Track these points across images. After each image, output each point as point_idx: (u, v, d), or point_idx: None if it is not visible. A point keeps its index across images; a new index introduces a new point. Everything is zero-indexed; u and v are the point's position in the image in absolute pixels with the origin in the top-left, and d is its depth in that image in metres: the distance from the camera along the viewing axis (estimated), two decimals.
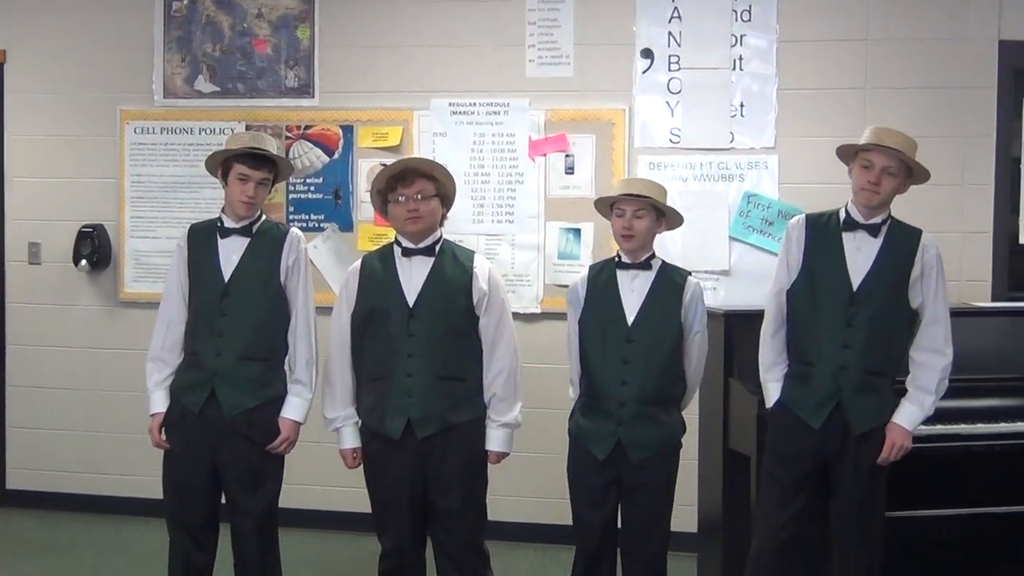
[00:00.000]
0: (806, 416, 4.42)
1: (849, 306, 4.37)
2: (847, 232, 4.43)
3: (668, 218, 4.57)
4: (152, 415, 4.63)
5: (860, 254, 4.40)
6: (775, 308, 4.57)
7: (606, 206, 4.58)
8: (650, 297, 4.50)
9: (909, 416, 4.38)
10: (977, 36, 6.00)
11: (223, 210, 4.64)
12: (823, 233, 4.48)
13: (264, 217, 4.68)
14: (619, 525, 4.60)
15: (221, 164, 4.58)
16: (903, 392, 4.44)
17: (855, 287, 4.38)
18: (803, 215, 4.61)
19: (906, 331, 4.42)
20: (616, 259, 4.59)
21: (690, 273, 4.62)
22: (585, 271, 4.70)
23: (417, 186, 4.44)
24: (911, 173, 4.39)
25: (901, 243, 4.39)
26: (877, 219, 4.40)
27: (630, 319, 4.48)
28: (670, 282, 4.52)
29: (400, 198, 4.43)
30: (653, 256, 4.56)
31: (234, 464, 4.55)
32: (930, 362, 4.39)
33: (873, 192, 4.34)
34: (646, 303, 4.49)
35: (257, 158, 4.53)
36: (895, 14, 6.07)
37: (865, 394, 4.37)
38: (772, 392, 4.56)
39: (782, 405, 4.51)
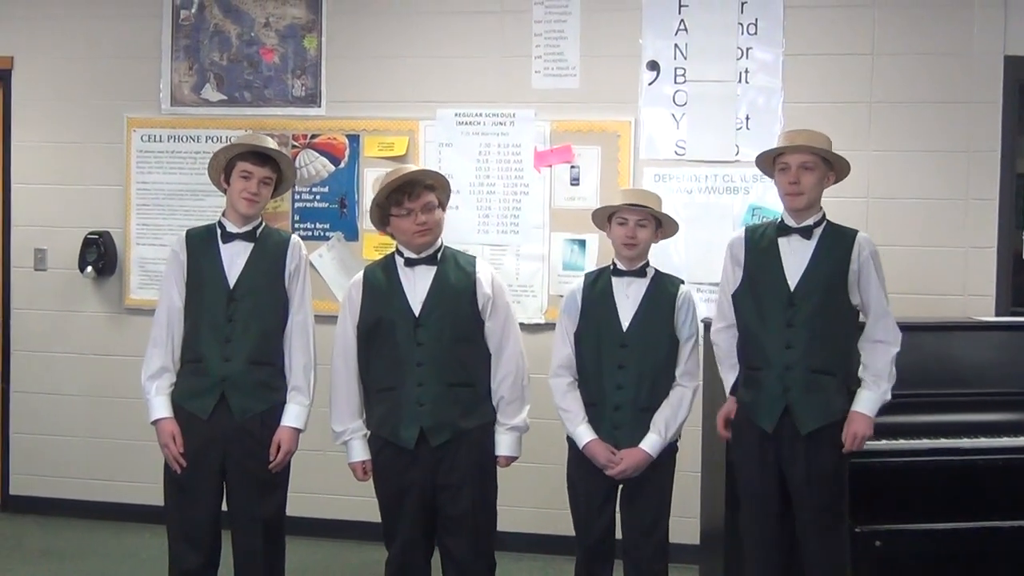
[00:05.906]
0: (759, 420, 4.49)
1: (788, 307, 4.45)
2: (782, 237, 4.52)
3: (665, 227, 4.65)
4: (158, 420, 4.51)
5: (795, 256, 4.49)
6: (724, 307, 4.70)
7: (604, 216, 4.65)
8: (644, 303, 4.59)
9: (867, 403, 4.43)
10: (982, 51, 5.99)
11: (224, 215, 4.62)
12: (761, 241, 4.58)
13: (265, 224, 4.68)
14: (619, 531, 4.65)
15: (224, 168, 4.56)
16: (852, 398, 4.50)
17: (792, 288, 4.46)
18: (743, 228, 4.76)
19: (850, 329, 4.50)
20: (612, 267, 4.66)
21: (682, 281, 4.71)
22: (580, 279, 4.75)
23: (424, 198, 4.45)
24: (832, 167, 4.50)
25: (835, 243, 4.48)
26: (809, 221, 4.49)
27: (625, 324, 4.56)
28: (663, 289, 4.62)
29: (406, 212, 4.44)
30: (648, 264, 4.65)
31: (244, 469, 4.50)
32: (881, 350, 4.45)
33: (796, 194, 4.45)
34: (640, 309, 4.58)
35: (260, 156, 4.53)
36: (900, 28, 6.06)
37: (812, 393, 4.43)
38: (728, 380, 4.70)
39: (741, 406, 4.61)
